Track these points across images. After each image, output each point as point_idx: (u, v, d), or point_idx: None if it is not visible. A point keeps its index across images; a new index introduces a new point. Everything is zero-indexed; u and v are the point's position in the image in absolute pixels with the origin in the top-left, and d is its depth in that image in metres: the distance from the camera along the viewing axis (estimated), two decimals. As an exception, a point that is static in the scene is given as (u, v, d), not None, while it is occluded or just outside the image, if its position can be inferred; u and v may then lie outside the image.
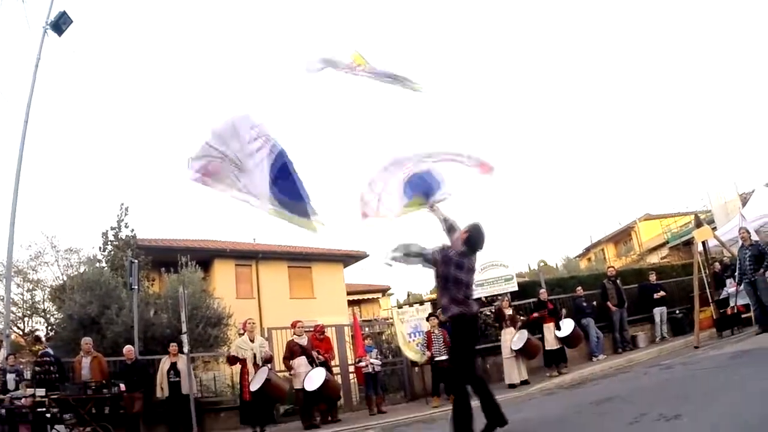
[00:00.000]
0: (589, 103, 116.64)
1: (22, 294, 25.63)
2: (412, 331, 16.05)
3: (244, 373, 13.17)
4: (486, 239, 7.28)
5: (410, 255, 7.70)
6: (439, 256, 7.13)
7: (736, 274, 14.86)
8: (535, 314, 15.76)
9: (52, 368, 13.59)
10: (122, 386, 13.01)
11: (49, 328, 22.93)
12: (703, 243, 16.46)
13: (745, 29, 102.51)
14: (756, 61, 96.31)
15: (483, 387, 7.20)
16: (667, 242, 41.19)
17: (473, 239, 7.19)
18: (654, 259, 40.38)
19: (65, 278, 23.90)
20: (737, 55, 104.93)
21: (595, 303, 17.92)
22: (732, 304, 15.73)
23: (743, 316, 15.42)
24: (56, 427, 12.32)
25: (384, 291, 41.62)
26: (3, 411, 11.92)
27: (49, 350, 14.35)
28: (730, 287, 16.11)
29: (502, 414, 6.98)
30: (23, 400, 11.93)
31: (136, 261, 16.47)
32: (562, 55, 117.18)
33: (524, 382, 14.57)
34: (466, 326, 7.16)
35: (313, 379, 13.04)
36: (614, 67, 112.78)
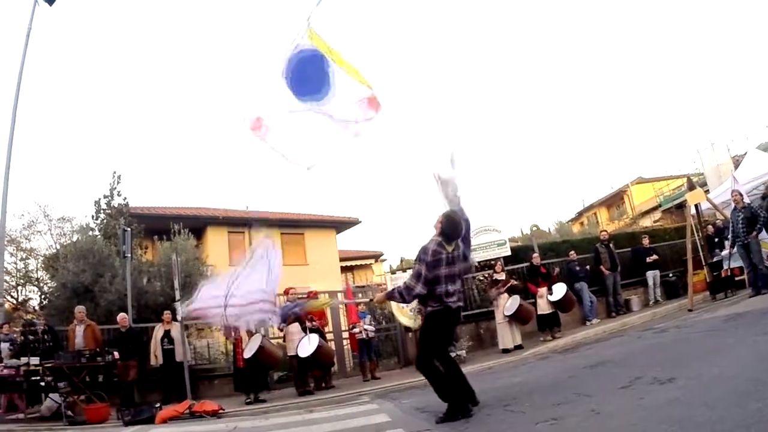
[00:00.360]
0: (581, 65, 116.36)
1: (15, 263, 25.59)
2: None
3: (237, 340, 13.21)
4: (460, 226, 7.22)
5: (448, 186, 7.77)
6: (423, 265, 7.00)
7: (729, 236, 14.88)
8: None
9: (46, 336, 13.66)
10: (116, 354, 13.05)
11: (43, 296, 22.90)
12: (696, 206, 16.45)
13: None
14: (749, 20, 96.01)
15: (455, 368, 7.22)
16: (660, 206, 41.24)
17: (447, 228, 7.11)
18: (647, 222, 40.41)
19: (58, 247, 23.84)
20: (727, 13, 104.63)
21: (588, 267, 17.91)
22: (725, 266, 15.77)
23: (737, 278, 15.46)
24: (50, 395, 12.36)
25: (377, 257, 41.63)
26: (-3, 379, 11.97)
27: (36, 321, 14.41)
28: (725, 251, 16.13)
29: (474, 393, 7.05)
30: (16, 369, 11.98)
31: (128, 229, 16.44)
32: (554, 19, 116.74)
33: (518, 347, 14.63)
34: (441, 319, 7.15)
35: (306, 345, 13.05)
36: (606, 29, 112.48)
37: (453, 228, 7.11)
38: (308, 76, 8.30)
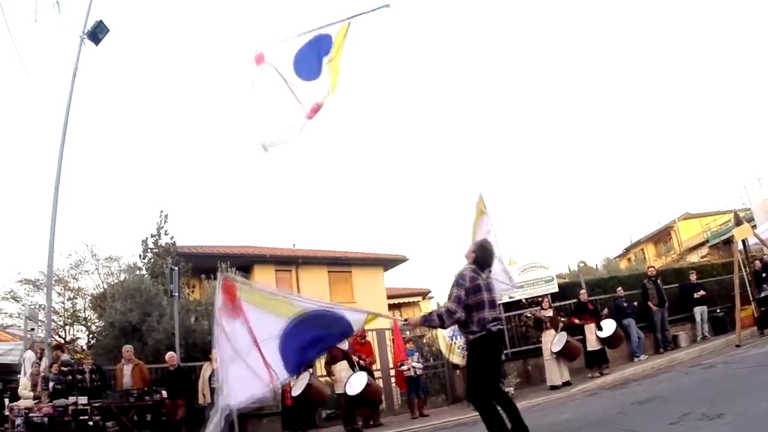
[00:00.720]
0: (627, 100, 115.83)
1: (63, 302, 25.86)
2: (453, 334, 16.03)
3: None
4: (492, 254, 7.37)
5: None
6: (462, 290, 6.98)
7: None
8: (575, 320, 15.71)
9: (94, 376, 13.79)
10: (164, 393, 13.12)
11: (91, 336, 23.11)
12: (743, 241, 16.33)
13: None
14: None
15: (508, 402, 7.11)
16: (707, 241, 40.74)
17: (480, 257, 7.24)
18: (694, 258, 39.96)
19: (106, 286, 24.04)
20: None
21: (635, 303, 17.71)
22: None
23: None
24: (98, 434, 12.47)
25: (424, 294, 41.25)
26: (46, 419, 12.11)
27: (67, 356, 14.60)
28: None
29: (527, 430, 6.87)
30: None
31: (176, 268, 16.53)
32: (600, 49, 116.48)
33: (566, 384, 14.54)
34: (486, 345, 7.08)
35: (354, 383, 13.05)
36: (655, 63, 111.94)
37: (486, 256, 7.26)
38: (310, 56, 8.99)
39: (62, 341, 24.69)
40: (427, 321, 7.57)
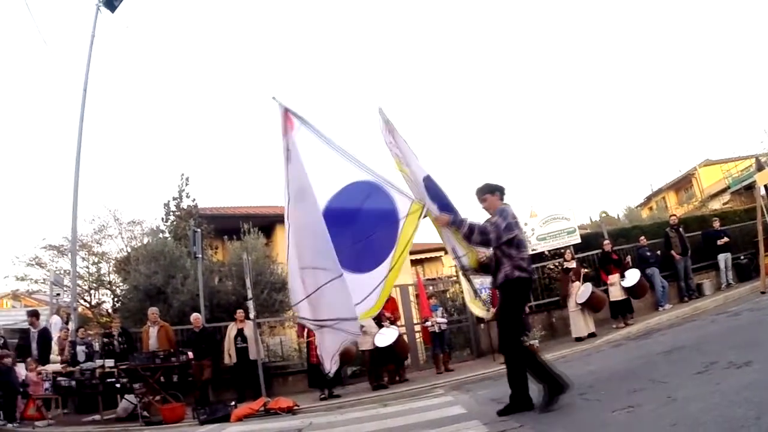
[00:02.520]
0: (644, 48, 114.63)
1: (88, 267, 25.92)
2: (479, 288, 16.01)
3: (311, 336, 13.28)
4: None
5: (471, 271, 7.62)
6: (504, 222, 6.67)
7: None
8: (601, 272, 15.81)
9: (120, 339, 13.95)
10: (190, 354, 13.20)
11: (116, 299, 23.27)
12: (766, 186, 16.18)
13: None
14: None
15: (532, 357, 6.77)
16: (729, 187, 40.28)
17: (503, 194, 7.04)
18: (716, 205, 39.54)
19: (129, 250, 24.16)
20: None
21: (658, 252, 17.72)
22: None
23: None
24: (126, 396, 12.69)
25: (446, 249, 41.17)
26: (74, 382, 12.29)
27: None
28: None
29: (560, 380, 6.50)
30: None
31: (198, 230, 16.65)
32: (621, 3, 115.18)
33: (591, 335, 14.59)
34: (525, 289, 6.89)
35: (386, 335, 13.29)
36: (673, 9, 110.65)
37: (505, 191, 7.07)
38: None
39: (88, 306, 24.97)
40: (456, 223, 6.95)
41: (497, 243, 6.69)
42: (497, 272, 6.84)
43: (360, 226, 6.98)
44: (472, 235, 6.78)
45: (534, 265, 17.26)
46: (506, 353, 6.78)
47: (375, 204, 7.00)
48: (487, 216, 7.08)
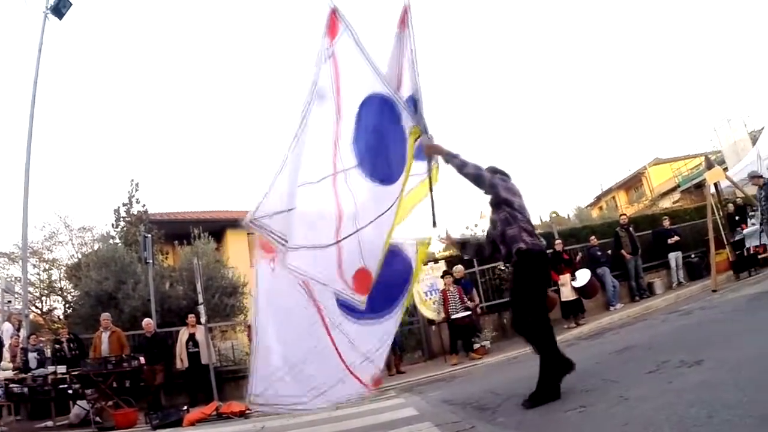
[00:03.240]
0: (593, 47, 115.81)
1: (39, 274, 25.98)
2: (428, 290, 16.06)
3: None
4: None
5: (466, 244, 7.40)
6: (501, 182, 6.32)
7: (758, 214, 14.78)
8: (551, 272, 15.80)
9: (71, 345, 13.89)
10: (142, 359, 13.15)
11: (67, 306, 23.18)
12: (716, 185, 16.35)
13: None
14: None
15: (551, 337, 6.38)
16: (679, 186, 40.80)
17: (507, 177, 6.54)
18: (666, 203, 39.97)
19: (80, 256, 24.12)
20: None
21: (609, 252, 17.91)
22: (748, 245, 15.64)
23: (760, 256, 15.32)
24: (78, 402, 12.67)
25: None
26: (26, 389, 12.18)
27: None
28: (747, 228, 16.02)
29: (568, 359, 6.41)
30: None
31: (149, 235, 16.55)
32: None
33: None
34: (539, 261, 6.26)
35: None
36: (620, 6, 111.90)
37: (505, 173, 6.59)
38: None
39: (39, 312, 24.76)
40: (451, 156, 6.36)
41: (491, 190, 6.31)
42: (511, 243, 6.24)
43: (382, 139, 6.42)
44: (465, 167, 6.26)
45: (484, 267, 17.51)
46: (527, 335, 6.32)
47: (390, 121, 6.48)
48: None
